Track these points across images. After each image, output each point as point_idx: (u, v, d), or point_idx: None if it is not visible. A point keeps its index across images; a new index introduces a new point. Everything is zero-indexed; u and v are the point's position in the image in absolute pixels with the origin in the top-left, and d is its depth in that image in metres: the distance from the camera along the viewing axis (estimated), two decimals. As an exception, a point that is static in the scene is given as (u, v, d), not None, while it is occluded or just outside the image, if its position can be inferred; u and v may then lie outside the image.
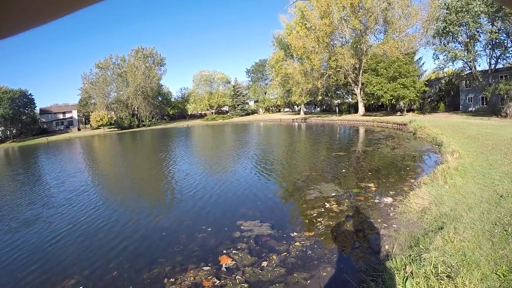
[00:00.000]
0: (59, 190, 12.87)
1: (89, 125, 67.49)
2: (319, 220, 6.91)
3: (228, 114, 75.19)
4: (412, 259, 4.02)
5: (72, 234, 7.34)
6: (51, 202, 10.84)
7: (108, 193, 12.22)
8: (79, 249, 6.47)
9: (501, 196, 6.04)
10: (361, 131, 28.49)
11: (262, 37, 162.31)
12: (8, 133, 59.00)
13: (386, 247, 5.18)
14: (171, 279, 4.90)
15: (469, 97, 35.64)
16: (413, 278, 3.53)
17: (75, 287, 4.97)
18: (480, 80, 31.08)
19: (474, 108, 34.40)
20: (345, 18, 38.32)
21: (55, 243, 6.91)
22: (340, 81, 43.93)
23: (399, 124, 26.62)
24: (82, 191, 11.98)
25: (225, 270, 5.06)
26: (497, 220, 4.99)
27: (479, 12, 27.43)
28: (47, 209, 10.05)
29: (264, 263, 5.07)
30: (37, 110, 66.79)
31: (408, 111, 37.98)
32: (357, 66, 40.66)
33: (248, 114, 74.53)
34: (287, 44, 47.56)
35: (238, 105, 73.00)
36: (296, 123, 46.31)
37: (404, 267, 3.81)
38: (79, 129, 68.07)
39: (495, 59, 30.72)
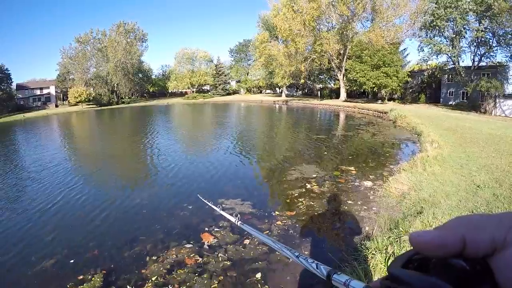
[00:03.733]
0: (39, 170, 12.44)
1: (67, 101, 64.32)
2: (300, 200, 6.98)
3: (209, 93, 74.03)
4: (392, 241, 4.10)
5: (49, 214, 7.02)
6: (27, 181, 10.48)
7: (86, 171, 11.77)
8: (58, 228, 6.20)
9: (478, 186, 6.17)
10: (342, 116, 28.79)
11: (247, 17, 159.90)
12: (-19, 110, 53.92)
13: (367, 228, 5.29)
14: (153, 257, 4.81)
15: (450, 91, 36.43)
16: (394, 258, 3.60)
17: (56, 266, 4.77)
18: (463, 75, 31.75)
19: (454, 102, 35.17)
20: (333, 3, 37.94)
21: (32, 223, 6.58)
22: (324, 65, 43.97)
23: (379, 112, 26.94)
24: (59, 170, 11.54)
25: (207, 247, 5.03)
26: (474, 208, 5.12)
27: (468, 10, 27.88)
28: (24, 188, 9.76)
29: (246, 241, 5.07)
30: (13, 86, 61.92)
31: (389, 100, 38.52)
32: (341, 52, 40.68)
33: (229, 94, 73.69)
34: (272, 25, 46.85)
35: (219, 84, 72.07)
36: (277, 105, 46.10)
37: (385, 247, 3.88)
38: (56, 106, 64.99)
39: (479, 56, 31.38)
